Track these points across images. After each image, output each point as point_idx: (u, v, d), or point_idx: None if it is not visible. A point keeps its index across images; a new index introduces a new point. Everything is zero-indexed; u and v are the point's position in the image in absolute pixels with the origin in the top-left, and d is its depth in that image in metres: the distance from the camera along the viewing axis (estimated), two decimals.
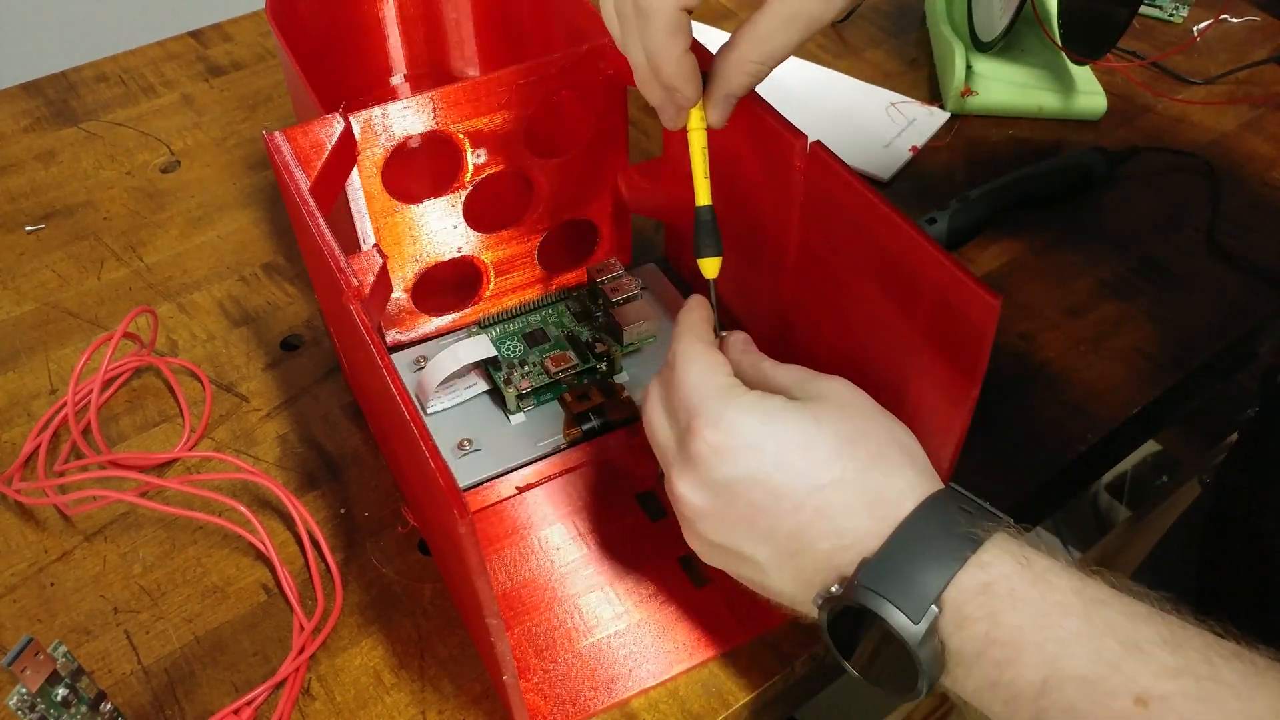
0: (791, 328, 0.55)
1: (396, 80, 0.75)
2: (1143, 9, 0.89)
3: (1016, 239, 0.71)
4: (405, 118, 0.53)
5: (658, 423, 0.43)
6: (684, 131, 0.46)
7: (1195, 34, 0.88)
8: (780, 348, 0.55)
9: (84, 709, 0.43)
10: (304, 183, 0.47)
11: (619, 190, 0.62)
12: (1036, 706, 0.34)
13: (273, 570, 0.52)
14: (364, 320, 0.41)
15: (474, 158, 0.56)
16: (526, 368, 0.58)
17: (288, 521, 0.54)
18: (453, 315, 0.62)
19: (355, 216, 0.55)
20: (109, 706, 0.45)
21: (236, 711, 0.46)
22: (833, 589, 0.38)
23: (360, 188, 0.54)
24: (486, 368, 0.59)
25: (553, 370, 0.58)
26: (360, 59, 0.73)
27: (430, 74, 0.76)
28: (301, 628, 0.50)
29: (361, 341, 0.41)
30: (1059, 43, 0.78)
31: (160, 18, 1.14)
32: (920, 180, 0.75)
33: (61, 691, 0.42)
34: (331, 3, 0.69)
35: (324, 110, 0.50)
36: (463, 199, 0.58)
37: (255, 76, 0.86)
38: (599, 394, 0.58)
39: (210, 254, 0.70)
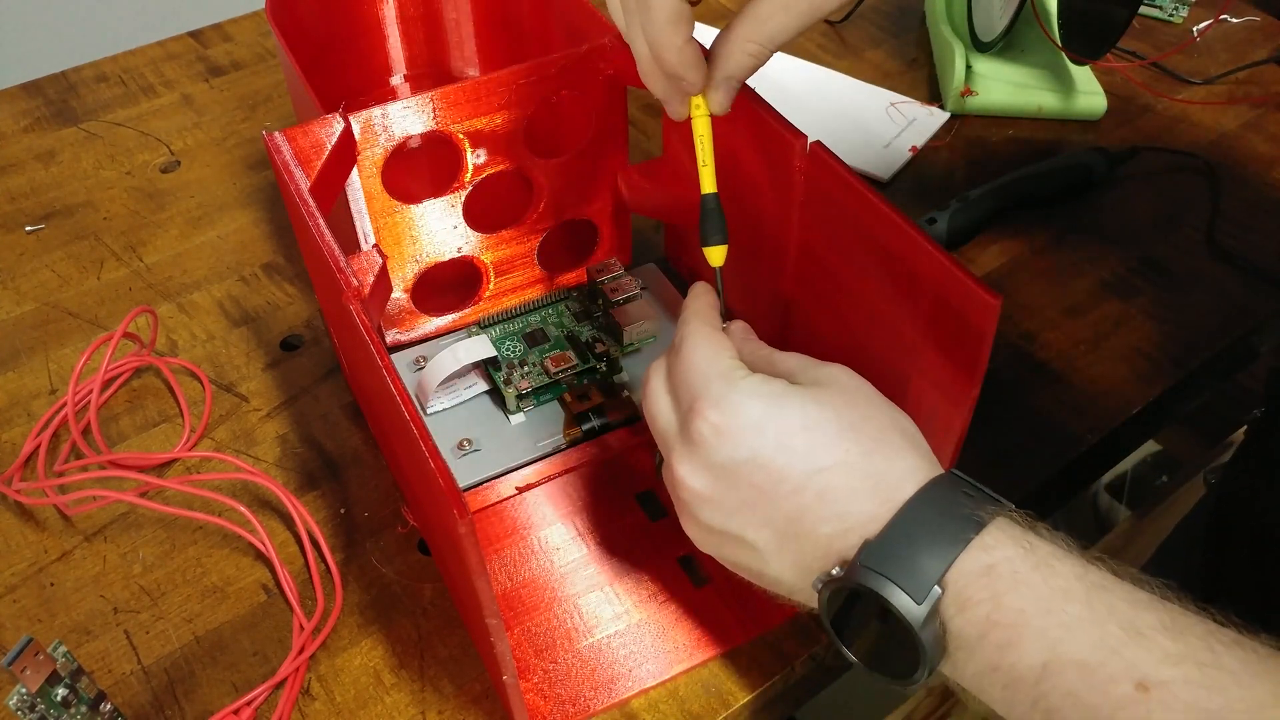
0: (791, 327, 0.55)
1: (396, 80, 0.75)
2: (1143, 9, 0.89)
3: (1016, 239, 0.71)
4: (405, 118, 0.53)
5: (659, 406, 0.43)
6: (687, 126, 0.46)
7: (1195, 34, 0.88)
8: (780, 347, 0.55)
9: (84, 709, 0.43)
10: (304, 183, 0.47)
11: (619, 190, 0.62)
12: (1036, 691, 0.34)
13: (273, 570, 0.52)
14: (364, 320, 0.41)
15: (474, 158, 0.56)
16: (526, 368, 0.58)
17: (288, 521, 0.54)
18: (453, 315, 0.62)
19: (355, 216, 0.55)
20: (109, 706, 0.45)
21: (236, 711, 0.46)
22: (833, 572, 0.38)
23: (360, 188, 0.54)
24: (486, 368, 0.59)
25: (553, 370, 0.58)
26: (360, 59, 0.73)
27: (430, 74, 0.76)
28: (301, 628, 0.50)
29: (361, 341, 0.41)
30: (1059, 43, 0.78)
31: (160, 18, 1.14)
32: (920, 180, 0.75)
33: (61, 691, 0.42)
34: (331, 3, 0.69)
35: (324, 110, 0.50)
36: (463, 199, 0.58)
37: (255, 76, 0.86)
38: (599, 394, 0.58)
39: (210, 254, 0.70)
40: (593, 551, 0.52)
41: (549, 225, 0.62)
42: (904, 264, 0.44)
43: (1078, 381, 0.62)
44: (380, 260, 0.47)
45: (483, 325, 0.61)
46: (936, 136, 0.79)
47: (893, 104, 0.81)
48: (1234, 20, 0.90)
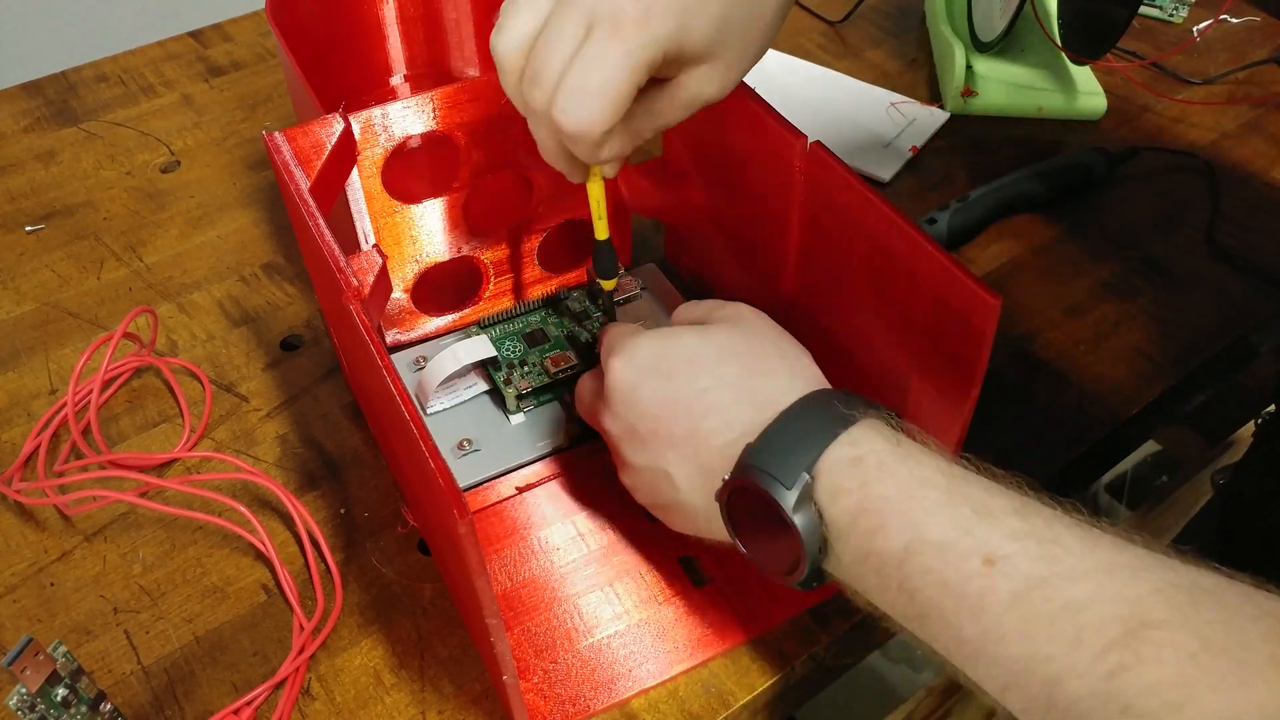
0: (791, 327, 0.55)
1: (396, 80, 0.75)
2: (1143, 9, 0.89)
3: (1016, 239, 0.71)
4: (405, 118, 0.53)
5: (582, 385, 0.51)
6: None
7: (1195, 34, 0.88)
8: None
9: (84, 709, 0.43)
10: (304, 183, 0.47)
11: (619, 190, 0.62)
12: (900, 573, 0.36)
13: (273, 570, 0.52)
14: (364, 320, 0.41)
15: (474, 158, 0.56)
16: (526, 368, 0.58)
17: (288, 521, 0.54)
18: (453, 315, 0.62)
19: (355, 216, 0.55)
20: (109, 706, 0.45)
21: (236, 711, 0.46)
22: (724, 478, 0.41)
23: (360, 188, 0.54)
24: (486, 368, 0.59)
25: (553, 370, 0.58)
26: (360, 59, 0.73)
27: (430, 74, 0.76)
28: (301, 628, 0.50)
29: (361, 341, 0.41)
30: (1059, 43, 0.78)
31: (160, 18, 1.14)
32: (920, 180, 0.75)
33: (61, 691, 0.42)
34: (331, 3, 0.69)
35: (324, 110, 0.50)
36: (463, 199, 0.58)
37: (255, 76, 0.86)
38: None
39: (210, 254, 0.70)
40: (593, 551, 0.52)
41: (549, 225, 0.62)
42: (904, 264, 0.44)
43: (1078, 381, 0.62)
44: (380, 260, 0.47)
45: (483, 325, 0.61)
46: (936, 136, 0.79)
47: (893, 104, 0.81)
48: (1234, 20, 0.90)
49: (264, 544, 0.52)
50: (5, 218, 0.73)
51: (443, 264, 0.60)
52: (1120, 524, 0.34)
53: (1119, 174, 0.75)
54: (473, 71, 0.76)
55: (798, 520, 0.38)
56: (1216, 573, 0.32)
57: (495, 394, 0.59)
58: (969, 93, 0.80)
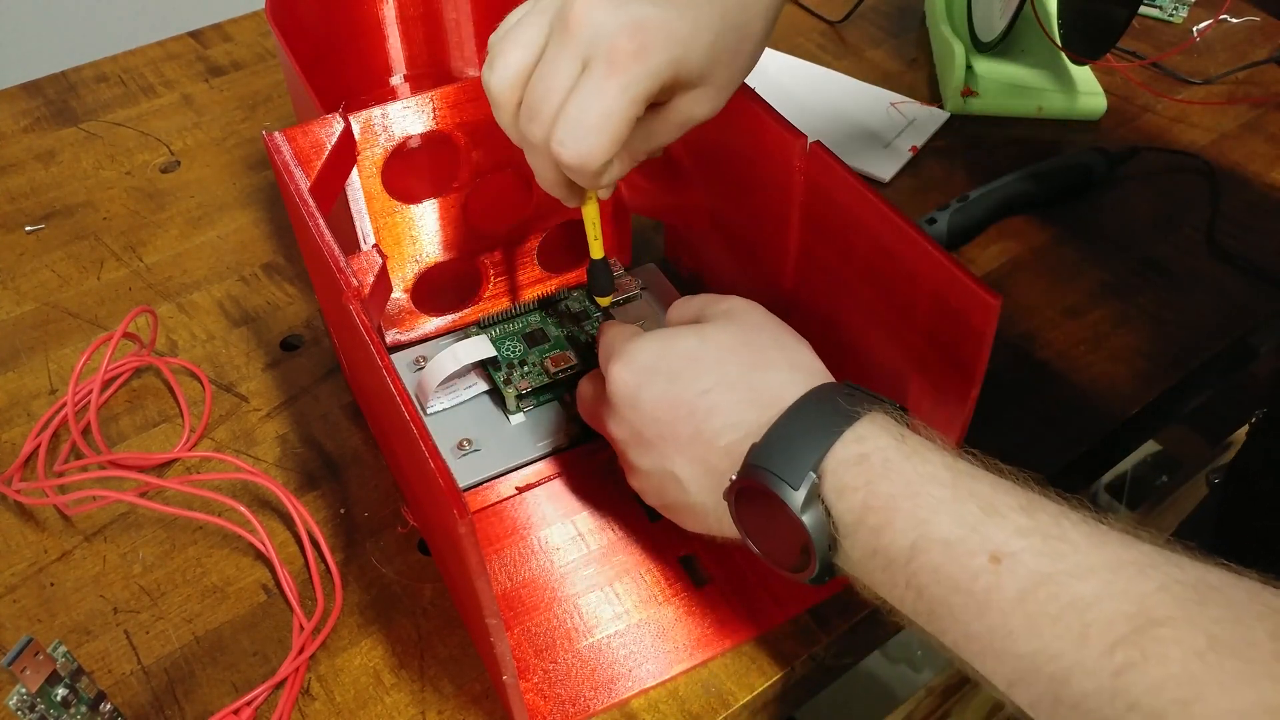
0: (791, 327, 0.55)
1: (396, 80, 0.75)
2: (1143, 9, 0.89)
3: (1016, 239, 0.71)
4: (405, 118, 0.53)
5: (583, 389, 0.51)
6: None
7: (1195, 34, 0.88)
8: None
9: (84, 709, 0.43)
10: (304, 183, 0.47)
11: (619, 190, 0.62)
12: (908, 570, 0.36)
13: (273, 570, 0.52)
14: (364, 320, 0.41)
15: (474, 158, 0.56)
16: (526, 368, 0.58)
17: (288, 521, 0.54)
18: (453, 315, 0.62)
19: (355, 216, 0.55)
20: (109, 706, 0.45)
21: (236, 711, 0.46)
22: (731, 478, 0.41)
23: (360, 188, 0.54)
24: (486, 368, 0.59)
25: (553, 370, 0.58)
26: (360, 59, 0.73)
27: (430, 74, 0.76)
28: (301, 628, 0.50)
29: (361, 341, 0.41)
30: (1059, 43, 0.78)
31: (160, 18, 1.14)
32: (920, 180, 0.75)
33: (61, 691, 0.42)
34: (331, 3, 0.69)
35: (324, 110, 0.50)
36: (463, 199, 0.58)
37: (255, 76, 0.86)
38: None
39: (210, 254, 0.70)
40: (593, 551, 0.52)
41: (549, 225, 0.62)
42: (904, 264, 0.44)
43: (1078, 381, 0.62)
44: (380, 260, 0.47)
45: (483, 325, 0.61)
46: (936, 136, 0.79)
47: (893, 104, 0.81)
48: (1234, 20, 0.90)
49: (264, 544, 0.52)
50: (5, 218, 0.73)
51: (443, 264, 0.60)
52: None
53: (1119, 174, 0.75)
54: (473, 71, 0.76)
55: (806, 519, 0.38)
56: (1223, 569, 0.32)
57: (495, 394, 0.59)
58: (969, 93, 0.80)
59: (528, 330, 0.61)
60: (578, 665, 0.48)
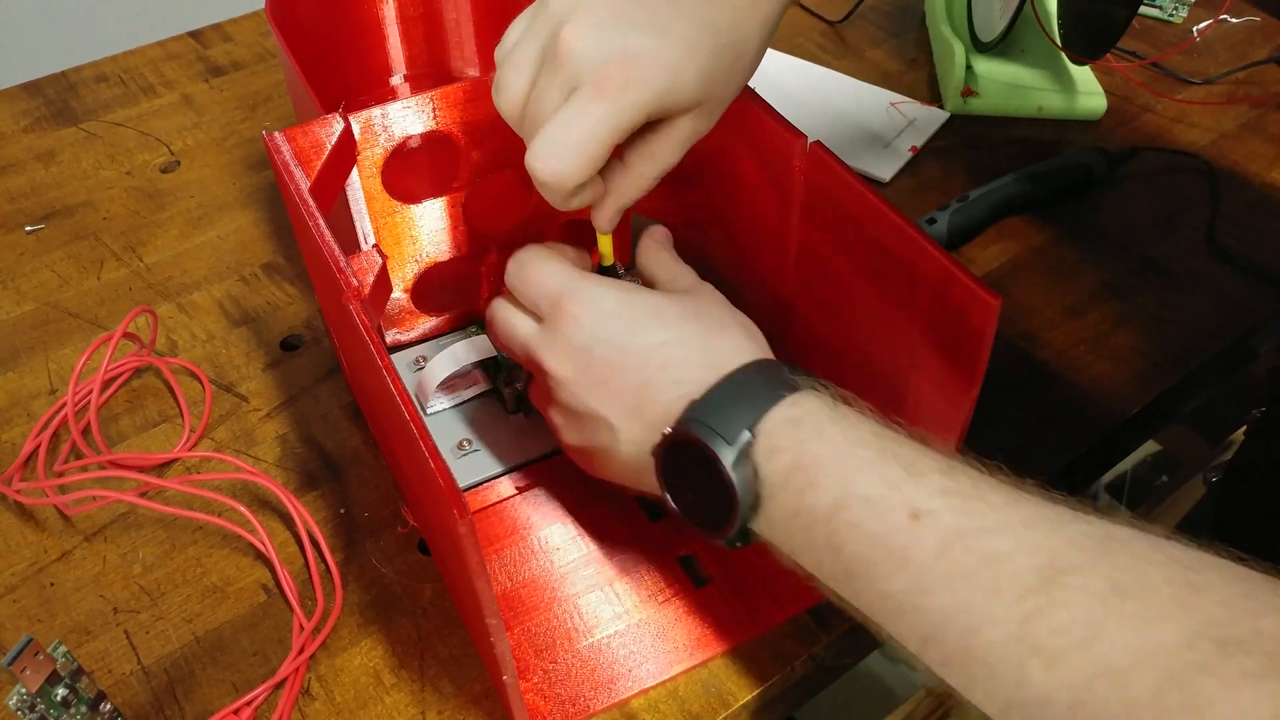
0: (791, 327, 0.55)
1: (396, 80, 0.75)
2: (1143, 9, 0.89)
3: (1016, 239, 0.71)
4: (405, 118, 0.53)
5: (515, 322, 0.48)
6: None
7: (1195, 34, 0.88)
8: (779, 346, 0.55)
9: (84, 709, 0.43)
10: (304, 183, 0.47)
11: None
12: (829, 528, 0.37)
13: (273, 570, 0.52)
14: (364, 320, 0.41)
15: (474, 158, 0.56)
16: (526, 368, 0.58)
17: (288, 521, 0.54)
18: (453, 315, 0.62)
19: (355, 216, 0.55)
20: (109, 706, 0.45)
21: (236, 711, 0.46)
22: (665, 431, 0.42)
23: (360, 188, 0.54)
24: (486, 368, 0.59)
25: None
26: (360, 59, 0.73)
27: (430, 74, 0.76)
28: (301, 628, 0.50)
29: (361, 341, 0.41)
30: (1059, 43, 0.78)
31: (160, 18, 1.14)
32: (920, 180, 0.75)
33: (61, 691, 0.42)
34: (331, 3, 0.69)
35: (324, 110, 0.50)
36: (463, 199, 0.58)
37: (255, 76, 0.86)
38: None
39: (210, 254, 0.70)
40: (593, 551, 0.52)
41: (549, 225, 0.62)
42: (904, 264, 0.44)
43: (1078, 381, 0.62)
44: (380, 260, 0.47)
45: (483, 325, 0.61)
46: (936, 136, 0.79)
47: (893, 104, 0.81)
48: (1234, 20, 0.90)
49: (264, 544, 0.52)
50: (5, 218, 0.73)
51: (443, 264, 0.59)
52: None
53: (1119, 174, 0.75)
54: (473, 71, 0.76)
55: (734, 476, 0.39)
56: (1130, 525, 0.34)
57: (495, 394, 0.59)
58: (969, 93, 0.80)
59: None
60: (578, 665, 0.48)
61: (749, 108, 0.49)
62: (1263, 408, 0.69)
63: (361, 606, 0.51)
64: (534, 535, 0.53)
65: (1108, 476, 1.16)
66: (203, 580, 0.52)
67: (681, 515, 0.43)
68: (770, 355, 0.45)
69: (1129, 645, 0.30)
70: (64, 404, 0.58)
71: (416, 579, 0.52)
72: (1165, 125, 0.80)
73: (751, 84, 0.50)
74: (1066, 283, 0.68)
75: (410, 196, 0.56)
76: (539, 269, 0.47)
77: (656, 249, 0.51)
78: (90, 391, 0.58)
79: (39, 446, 0.57)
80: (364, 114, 0.52)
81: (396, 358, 0.61)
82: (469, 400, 0.59)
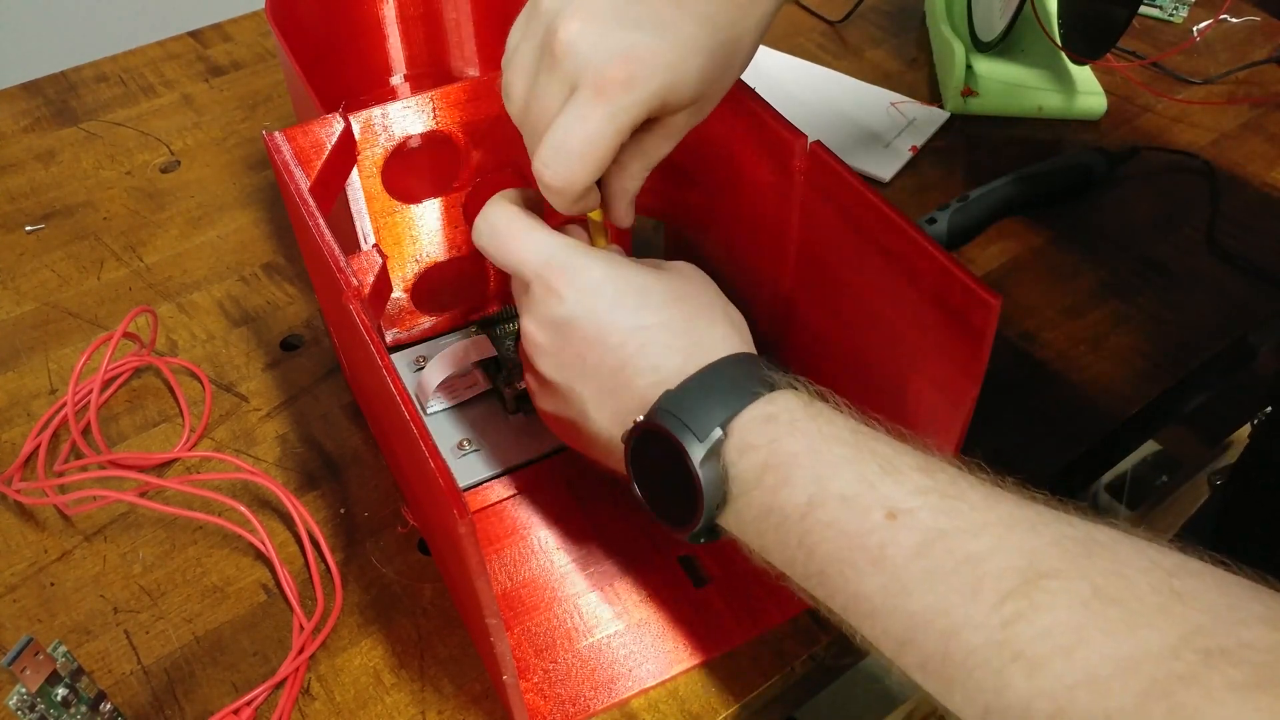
0: (791, 327, 0.55)
1: (396, 80, 0.75)
2: (1143, 9, 0.89)
3: (1016, 239, 0.71)
4: (405, 118, 0.53)
5: (513, 284, 0.47)
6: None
7: (1195, 34, 0.88)
8: (779, 346, 0.55)
9: (84, 709, 0.43)
10: (304, 183, 0.47)
11: None
12: (802, 527, 0.36)
13: (273, 570, 0.52)
14: (364, 320, 0.41)
15: (474, 158, 0.56)
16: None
17: (288, 521, 0.54)
18: (453, 315, 0.62)
19: (355, 216, 0.55)
20: (109, 706, 0.45)
21: (236, 711, 0.46)
22: (637, 419, 0.41)
23: (360, 188, 0.54)
24: (486, 368, 0.59)
25: None
26: (360, 59, 0.73)
27: (430, 74, 0.76)
28: (301, 628, 0.50)
29: (361, 341, 0.41)
30: (1059, 43, 0.78)
31: (160, 18, 1.14)
32: (920, 180, 0.75)
33: (61, 691, 0.42)
34: (331, 3, 0.69)
35: (324, 110, 0.50)
36: (463, 199, 0.58)
37: (255, 76, 0.86)
38: None
39: (210, 254, 0.70)
40: (593, 551, 0.52)
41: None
42: (904, 264, 0.44)
43: (1078, 381, 0.62)
44: (380, 260, 0.47)
45: (483, 325, 0.61)
46: (936, 136, 0.79)
47: (893, 104, 0.81)
48: (1234, 20, 0.90)
49: (264, 544, 0.52)
50: (5, 218, 0.73)
51: (443, 264, 0.59)
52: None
53: (1119, 174, 0.75)
54: (473, 71, 0.76)
55: (702, 473, 0.38)
56: (1113, 528, 0.33)
57: (495, 394, 0.59)
58: (969, 93, 0.80)
59: None
60: (578, 665, 0.48)
61: (749, 107, 0.49)
62: (1268, 409, 0.68)
63: (361, 606, 0.51)
64: (534, 535, 0.53)
65: (1108, 476, 1.16)
66: (203, 580, 0.52)
67: (646, 505, 0.43)
68: (752, 348, 0.44)
69: (1112, 653, 0.29)
70: (64, 404, 0.58)
71: (416, 579, 0.52)
72: (1165, 125, 0.80)
73: (752, 84, 0.50)
74: (1066, 283, 0.68)
75: (410, 196, 0.56)
76: (521, 234, 0.45)
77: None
78: (90, 391, 0.58)
79: (39, 446, 0.57)
80: (364, 114, 0.52)
81: (396, 358, 0.61)
82: (469, 400, 0.59)
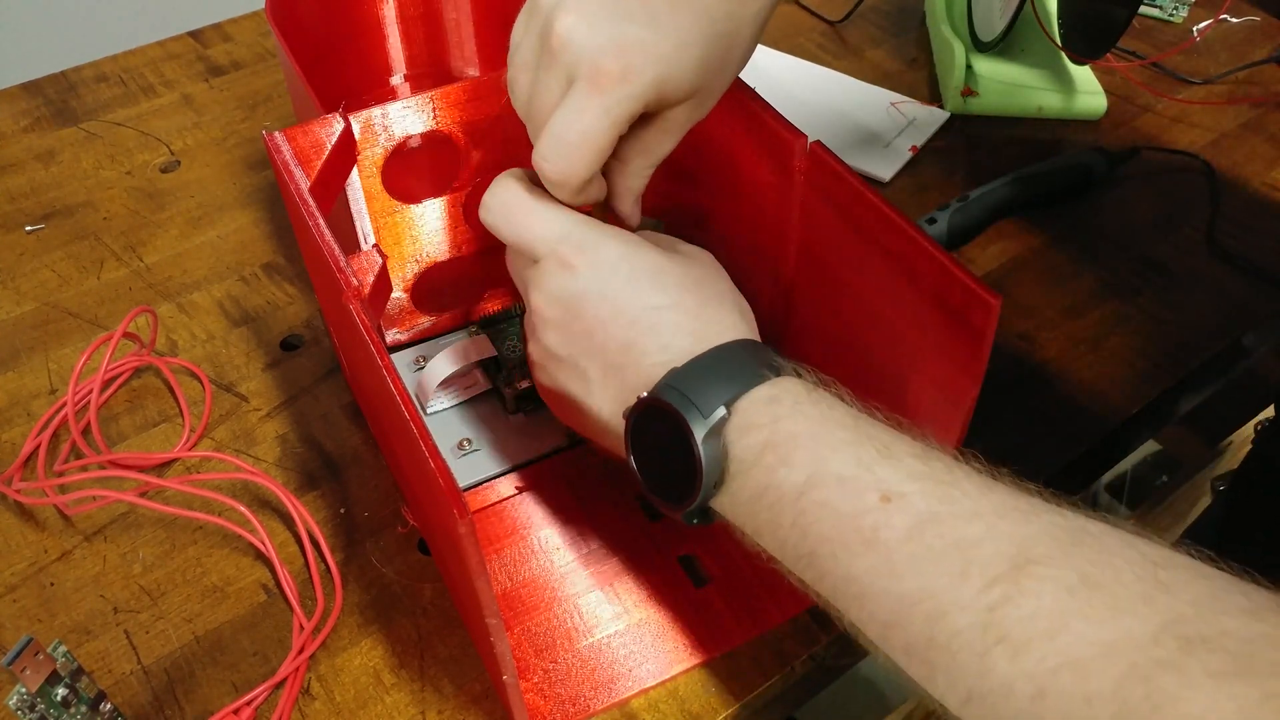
0: (791, 327, 0.55)
1: (396, 80, 0.75)
2: (1143, 9, 0.89)
3: (1016, 239, 0.71)
4: (405, 118, 0.53)
5: (512, 262, 0.48)
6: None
7: (1195, 34, 0.88)
8: (779, 346, 0.55)
9: (84, 709, 0.43)
10: (304, 183, 0.47)
11: None
12: (797, 507, 0.37)
13: (273, 570, 0.52)
14: (364, 320, 0.41)
15: (474, 158, 0.56)
16: (526, 368, 0.58)
17: (288, 521, 0.54)
18: (453, 315, 0.62)
19: (355, 216, 0.55)
20: (109, 706, 0.45)
21: (236, 711, 0.46)
22: (641, 395, 0.41)
23: (360, 188, 0.54)
24: (486, 368, 0.59)
25: None
26: (360, 59, 0.73)
27: (430, 74, 0.76)
28: (301, 628, 0.50)
29: (361, 341, 0.41)
30: (1059, 43, 0.78)
31: (160, 18, 1.14)
32: (920, 180, 0.75)
33: (61, 691, 0.42)
34: (331, 3, 0.69)
35: (324, 110, 0.50)
36: (463, 199, 0.58)
37: (255, 76, 0.86)
38: None
39: (210, 254, 0.70)
40: (593, 551, 0.52)
41: None
42: (904, 264, 0.44)
43: (1078, 381, 0.62)
44: (380, 260, 0.47)
45: (483, 325, 0.61)
46: (936, 136, 0.79)
47: (893, 104, 0.81)
48: (1234, 20, 0.90)
49: (264, 544, 0.52)
50: (5, 218, 0.73)
51: (443, 264, 0.60)
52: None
53: (1119, 174, 0.75)
54: (473, 71, 0.76)
55: (703, 451, 0.38)
56: (1102, 521, 0.33)
57: (495, 394, 0.59)
58: (969, 92, 0.80)
59: None
60: (578, 665, 0.48)
61: (749, 107, 0.49)
62: (1270, 411, 0.68)
63: (361, 606, 0.51)
64: (534, 535, 0.53)
65: (1108, 476, 1.16)
66: (203, 580, 0.52)
67: (642, 482, 0.43)
68: (758, 339, 0.45)
69: (1094, 638, 0.30)
70: (64, 404, 0.58)
71: (416, 579, 0.52)
72: (1165, 125, 0.80)
73: (752, 84, 0.50)
74: (1066, 283, 0.68)
75: (410, 196, 0.56)
76: (535, 209, 0.45)
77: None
78: (90, 391, 0.58)
79: (39, 446, 0.57)
80: (364, 114, 0.52)
81: (396, 358, 0.61)
82: (469, 400, 0.59)
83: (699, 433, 0.38)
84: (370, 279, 0.46)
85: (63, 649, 0.41)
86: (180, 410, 0.60)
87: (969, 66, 0.80)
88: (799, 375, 0.40)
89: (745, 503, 0.39)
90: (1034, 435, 0.59)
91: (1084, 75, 0.81)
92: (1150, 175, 0.75)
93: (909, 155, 0.77)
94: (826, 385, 0.40)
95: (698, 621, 0.50)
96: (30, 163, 0.78)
